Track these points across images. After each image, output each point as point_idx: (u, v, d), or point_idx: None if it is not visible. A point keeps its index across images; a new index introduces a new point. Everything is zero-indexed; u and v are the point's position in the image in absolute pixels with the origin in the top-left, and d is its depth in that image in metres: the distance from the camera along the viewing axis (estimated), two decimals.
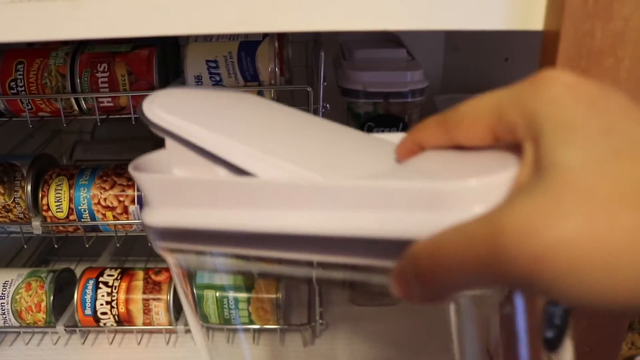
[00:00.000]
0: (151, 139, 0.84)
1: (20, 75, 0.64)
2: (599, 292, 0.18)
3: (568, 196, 0.18)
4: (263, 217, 0.26)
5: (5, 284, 0.77)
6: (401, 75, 0.74)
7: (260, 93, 0.64)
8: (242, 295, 0.75)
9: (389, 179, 0.26)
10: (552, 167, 0.19)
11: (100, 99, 0.65)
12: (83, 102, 0.65)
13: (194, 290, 0.75)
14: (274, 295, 0.74)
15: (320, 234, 0.25)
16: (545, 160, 0.20)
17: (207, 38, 0.63)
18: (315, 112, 0.64)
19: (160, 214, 0.30)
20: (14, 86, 0.65)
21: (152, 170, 0.34)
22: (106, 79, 0.64)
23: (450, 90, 1.00)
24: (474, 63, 1.03)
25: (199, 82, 0.63)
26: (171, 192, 0.29)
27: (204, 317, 0.76)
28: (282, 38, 0.67)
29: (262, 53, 0.62)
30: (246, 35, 0.63)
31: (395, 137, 0.31)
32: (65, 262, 0.94)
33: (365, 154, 0.31)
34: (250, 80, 0.62)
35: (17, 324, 0.77)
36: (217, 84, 0.63)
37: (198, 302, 0.75)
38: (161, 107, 0.32)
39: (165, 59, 0.67)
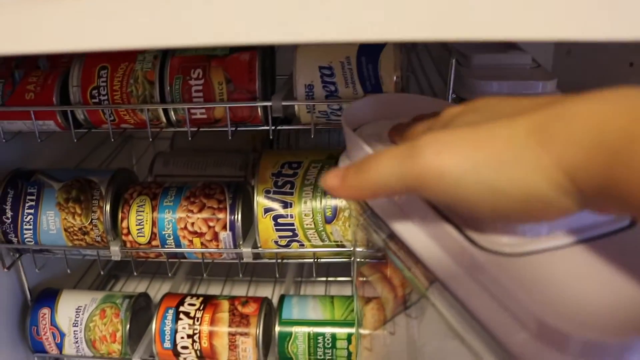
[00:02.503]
0: (240, 150, 0.75)
1: (103, 82, 0.56)
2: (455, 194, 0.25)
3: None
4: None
5: (78, 309, 0.69)
6: (532, 86, 0.63)
7: None
8: (342, 331, 0.65)
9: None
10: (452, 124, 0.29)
11: (192, 111, 0.56)
12: (173, 113, 0.57)
13: (278, 328, 0.66)
14: (380, 331, 0.65)
15: None
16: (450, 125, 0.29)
17: None
18: None
19: None
20: (96, 95, 0.57)
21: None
22: (200, 87, 0.55)
23: None
24: (590, 68, 0.91)
25: (310, 91, 0.53)
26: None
27: (286, 359, 0.67)
28: (400, 44, 0.57)
29: (386, 58, 0.52)
30: None
31: None
32: (136, 278, 0.87)
33: None
34: (371, 90, 0.53)
35: (91, 355, 0.70)
36: (332, 94, 0.53)
37: (280, 342, 0.66)
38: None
39: (265, 64, 0.57)
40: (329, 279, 0.86)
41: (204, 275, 0.65)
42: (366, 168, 0.28)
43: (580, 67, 0.92)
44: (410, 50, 0.75)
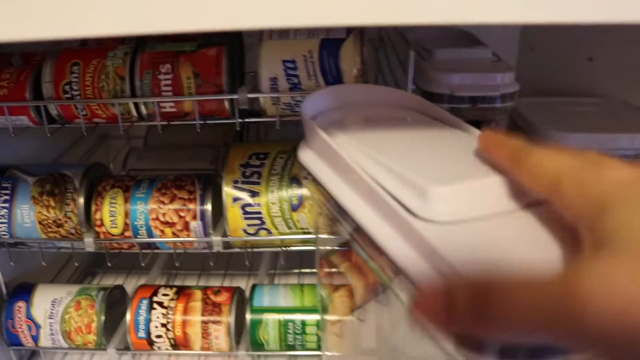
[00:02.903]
0: (211, 146, 0.77)
1: (75, 78, 0.58)
2: None
3: (627, 263, 0.21)
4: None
5: (54, 302, 0.71)
6: (491, 78, 0.66)
7: None
8: (311, 317, 0.68)
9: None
10: (617, 235, 0.22)
11: (162, 104, 0.58)
12: (143, 107, 0.59)
13: (249, 316, 0.68)
14: (346, 316, 0.67)
15: None
16: (609, 231, 0.23)
17: (283, 35, 0.56)
18: None
19: (306, 155, 0.39)
20: (69, 90, 0.58)
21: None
22: (169, 82, 0.57)
23: (524, 93, 0.91)
24: (553, 63, 0.94)
25: (274, 84, 0.55)
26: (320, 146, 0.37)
27: (257, 346, 0.69)
28: (362, 36, 0.59)
29: (347, 52, 0.55)
30: (327, 32, 0.55)
31: None
32: (112, 274, 0.89)
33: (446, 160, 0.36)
34: (332, 82, 0.55)
35: (66, 346, 0.71)
36: (295, 87, 0.55)
37: (252, 329, 0.68)
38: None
39: (232, 60, 0.60)
40: (302, 270, 0.88)
41: (176, 264, 0.67)
42: (488, 306, 0.23)
43: (543, 62, 0.95)
44: (377, 49, 0.77)
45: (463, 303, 0.23)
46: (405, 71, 0.74)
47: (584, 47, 0.89)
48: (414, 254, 0.29)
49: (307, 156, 0.40)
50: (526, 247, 0.28)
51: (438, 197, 0.30)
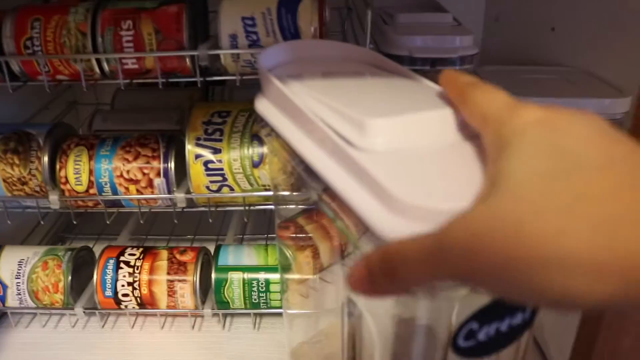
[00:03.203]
0: (177, 108, 0.78)
1: (36, 33, 0.59)
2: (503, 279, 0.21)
3: (507, 203, 0.22)
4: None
5: (20, 262, 0.71)
6: (450, 40, 0.68)
7: None
8: (275, 276, 0.69)
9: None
10: (504, 180, 0.23)
11: (124, 60, 0.59)
12: (105, 63, 0.59)
13: (214, 275, 0.70)
14: (311, 276, 0.69)
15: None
16: (499, 174, 0.24)
17: None
18: None
19: (261, 104, 0.41)
20: (30, 45, 0.59)
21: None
22: (131, 38, 0.58)
23: (490, 63, 0.93)
24: (517, 33, 0.96)
25: (234, 41, 0.56)
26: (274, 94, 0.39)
27: (222, 304, 0.70)
28: None
29: (305, 10, 0.56)
30: None
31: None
32: (82, 241, 0.89)
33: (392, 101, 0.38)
34: (290, 39, 0.56)
35: (34, 305, 0.72)
36: (254, 44, 0.57)
37: (217, 288, 0.69)
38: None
39: (194, 18, 0.60)
40: (270, 235, 0.89)
41: (141, 221, 0.68)
42: (393, 271, 0.25)
43: (508, 32, 0.97)
44: (345, 18, 0.79)
45: (375, 272, 0.26)
46: (373, 35, 0.76)
47: (547, 17, 0.91)
48: (352, 181, 0.31)
49: (263, 105, 0.41)
50: (454, 177, 0.30)
51: (374, 129, 0.32)
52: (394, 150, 0.32)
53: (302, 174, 0.38)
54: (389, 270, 0.25)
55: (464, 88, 0.31)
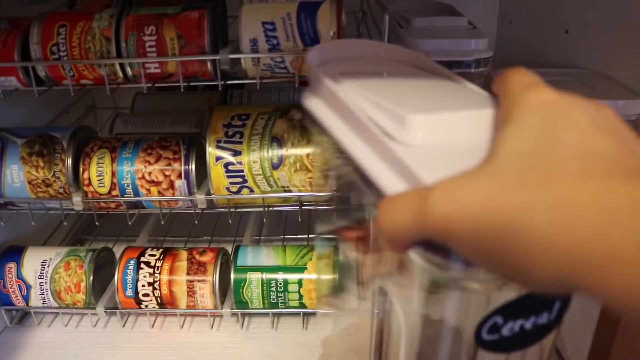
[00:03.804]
0: (196, 112, 0.80)
1: (62, 39, 0.60)
2: (478, 250, 0.23)
3: (486, 176, 0.24)
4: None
5: (43, 263, 0.73)
6: (465, 44, 0.69)
7: None
8: (293, 276, 0.70)
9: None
10: (493, 153, 0.25)
11: (147, 65, 0.60)
12: (129, 68, 0.61)
13: (233, 275, 0.70)
14: (330, 276, 0.70)
15: None
16: (493, 147, 0.25)
17: None
18: None
19: (310, 101, 0.41)
20: (56, 51, 0.60)
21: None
22: (154, 43, 0.59)
23: (504, 66, 0.94)
24: (530, 36, 0.97)
25: (254, 45, 0.58)
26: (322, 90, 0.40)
27: (241, 304, 0.71)
28: (339, 1, 0.62)
29: (324, 14, 0.57)
30: None
31: None
32: (101, 242, 0.91)
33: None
34: (310, 44, 0.57)
35: (56, 305, 0.74)
36: (274, 47, 0.58)
37: (236, 288, 0.71)
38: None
39: (215, 23, 0.62)
40: (286, 236, 0.90)
41: (162, 222, 0.69)
42: (383, 217, 0.26)
43: (521, 35, 0.97)
44: (360, 22, 0.80)
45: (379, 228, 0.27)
46: (382, 37, 0.77)
47: (560, 20, 0.91)
48: (391, 174, 0.32)
49: (311, 102, 0.42)
50: None
51: (415, 124, 0.33)
52: (434, 145, 0.32)
53: (359, 183, 0.38)
54: (381, 230, 0.27)
55: (509, 84, 0.30)
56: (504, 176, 0.23)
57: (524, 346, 0.34)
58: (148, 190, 0.66)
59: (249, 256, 0.72)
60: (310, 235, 0.89)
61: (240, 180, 0.63)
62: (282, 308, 0.72)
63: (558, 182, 0.21)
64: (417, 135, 0.32)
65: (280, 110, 0.65)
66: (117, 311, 0.74)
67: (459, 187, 0.24)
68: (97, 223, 0.69)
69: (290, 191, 0.64)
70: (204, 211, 0.69)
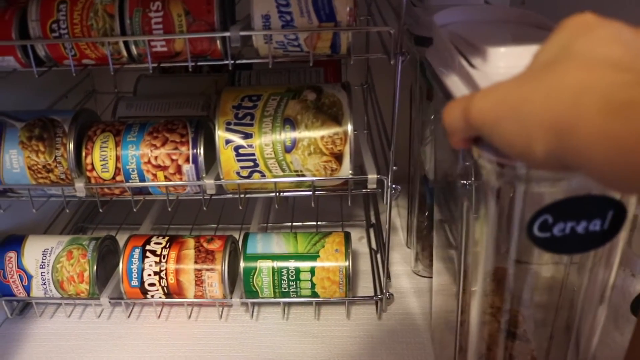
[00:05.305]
0: (202, 94, 0.76)
1: (63, 16, 0.57)
2: (507, 138, 0.28)
3: (512, 81, 0.28)
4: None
5: (45, 252, 0.70)
6: None
7: (336, 35, 0.56)
8: (305, 264, 0.68)
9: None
10: (527, 66, 0.30)
11: (152, 43, 0.57)
12: (133, 46, 0.58)
13: (242, 263, 0.68)
14: (343, 264, 0.67)
15: None
16: (529, 62, 0.30)
17: None
18: (395, 58, 0.56)
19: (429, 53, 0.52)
20: (56, 29, 0.57)
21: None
22: (160, 20, 0.56)
23: None
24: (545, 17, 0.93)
25: (267, 22, 0.55)
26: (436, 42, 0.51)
27: (251, 293, 0.69)
28: None
29: None
30: None
31: None
32: (103, 231, 0.88)
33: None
34: (325, 20, 0.54)
35: (59, 295, 0.71)
36: (287, 24, 0.55)
37: (245, 276, 0.68)
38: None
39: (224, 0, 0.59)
40: (295, 223, 0.88)
41: (169, 208, 0.66)
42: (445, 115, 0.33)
43: None
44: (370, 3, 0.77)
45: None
46: (397, 15, 0.74)
47: (573, 1, 0.88)
48: (465, 89, 0.41)
49: (430, 54, 0.52)
50: None
51: (496, 55, 0.40)
52: (504, 71, 0.38)
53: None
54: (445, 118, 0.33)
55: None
56: (522, 78, 0.28)
57: (577, 250, 0.37)
58: (154, 175, 0.63)
59: (259, 244, 0.69)
60: (319, 222, 0.86)
61: (251, 164, 0.60)
62: (294, 297, 0.70)
63: (555, 75, 0.26)
64: (499, 64, 0.40)
65: (292, 91, 0.62)
66: (122, 301, 0.71)
67: (492, 89, 0.29)
68: (100, 210, 0.66)
69: (303, 175, 0.61)
70: (212, 197, 0.66)
